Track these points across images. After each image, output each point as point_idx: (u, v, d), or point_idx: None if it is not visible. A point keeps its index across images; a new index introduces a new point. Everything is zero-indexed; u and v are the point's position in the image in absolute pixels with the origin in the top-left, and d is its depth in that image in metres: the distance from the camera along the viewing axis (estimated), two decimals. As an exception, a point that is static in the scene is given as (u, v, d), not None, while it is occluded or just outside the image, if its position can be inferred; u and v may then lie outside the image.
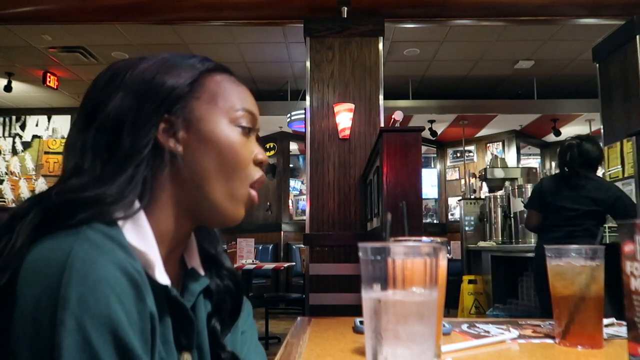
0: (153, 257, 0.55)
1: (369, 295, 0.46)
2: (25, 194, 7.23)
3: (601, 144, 4.23)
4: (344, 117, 3.66)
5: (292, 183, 8.36)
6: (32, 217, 0.51)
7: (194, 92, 0.63)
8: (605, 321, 0.92)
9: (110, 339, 0.46)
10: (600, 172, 3.21)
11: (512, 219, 4.70)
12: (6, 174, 7.33)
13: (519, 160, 8.00)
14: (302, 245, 4.42)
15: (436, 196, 8.70)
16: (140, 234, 0.55)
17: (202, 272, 0.67)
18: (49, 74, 5.99)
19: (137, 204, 0.57)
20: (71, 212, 0.51)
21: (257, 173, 0.65)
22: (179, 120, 0.61)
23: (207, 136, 0.62)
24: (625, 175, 3.66)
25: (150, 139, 0.59)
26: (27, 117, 7.42)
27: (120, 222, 0.54)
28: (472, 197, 6.92)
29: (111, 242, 0.50)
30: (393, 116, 3.50)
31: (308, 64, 3.81)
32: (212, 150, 0.61)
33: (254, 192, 0.65)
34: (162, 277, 0.56)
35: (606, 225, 3.44)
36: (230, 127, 0.63)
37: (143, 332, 0.49)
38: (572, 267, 0.81)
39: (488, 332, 0.94)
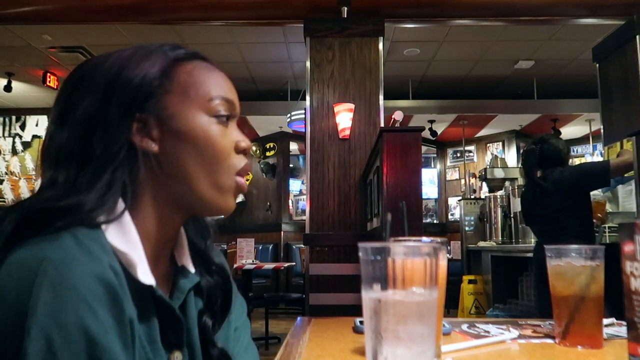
0: (136, 258, 0.54)
1: (369, 295, 0.46)
2: (25, 194, 7.23)
3: (601, 144, 4.24)
4: (344, 117, 3.65)
5: (292, 183, 8.36)
6: (5, 225, 0.50)
7: (165, 86, 0.60)
8: (605, 321, 0.92)
9: (77, 349, 0.44)
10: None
11: (512, 219, 4.70)
12: (6, 174, 7.33)
13: (519, 160, 8.00)
14: (302, 245, 4.42)
15: (436, 196, 8.70)
16: (123, 236, 0.54)
17: (192, 269, 0.65)
18: (49, 74, 5.99)
19: (120, 207, 0.55)
20: (48, 221, 0.50)
21: (241, 162, 0.63)
22: (152, 117, 0.59)
23: (182, 132, 0.59)
24: (625, 175, 3.66)
25: (124, 141, 0.57)
26: (27, 117, 7.42)
27: (103, 226, 0.53)
28: (472, 197, 6.92)
29: (90, 246, 0.49)
30: (393, 116, 3.50)
31: (308, 64, 3.81)
32: (189, 146, 0.59)
33: (241, 180, 0.63)
34: (146, 277, 0.54)
35: (606, 225, 3.43)
36: (206, 119, 0.60)
37: (122, 337, 0.48)
38: (572, 267, 0.81)
39: (488, 332, 0.94)
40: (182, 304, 0.62)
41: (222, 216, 0.64)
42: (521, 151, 2.60)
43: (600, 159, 5.62)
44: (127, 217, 0.56)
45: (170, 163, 0.59)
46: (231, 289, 0.69)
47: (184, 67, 0.62)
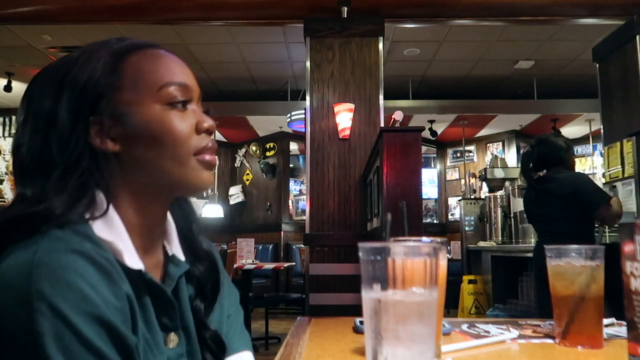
0: (121, 245, 0.56)
1: (369, 295, 0.46)
2: (25, 194, 7.23)
3: (601, 144, 4.24)
4: (344, 117, 3.65)
5: (292, 183, 8.36)
6: None
7: (113, 84, 0.59)
8: (605, 321, 0.92)
9: (90, 319, 0.47)
10: (588, 169, 3.19)
11: (512, 219, 4.70)
12: (6, 174, 7.33)
13: (519, 160, 7.99)
14: (302, 245, 4.42)
15: (436, 196, 8.69)
16: (108, 227, 0.56)
17: (182, 258, 0.67)
18: (49, 74, 5.99)
19: (103, 205, 0.56)
20: (21, 228, 0.51)
21: (202, 141, 0.63)
22: (106, 118, 0.59)
23: (138, 128, 0.59)
24: (625, 175, 3.66)
25: (84, 148, 0.57)
26: (27, 117, 7.41)
27: (90, 222, 0.55)
28: (472, 197, 6.92)
29: (77, 236, 0.51)
30: (393, 116, 3.50)
31: (308, 64, 3.81)
32: (148, 139, 0.59)
33: (204, 158, 0.62)
34: (133, 262, 0.56)
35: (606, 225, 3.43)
36: (158, 108, 0.60)
37: (122, 312, 0.51)
38: (572, 267, 0.81)
39: (488, 332, 0.94)
40: (175, 290, 0.64)
41: (202, 191, 0.65)
42: (521, 151, 2.61)
43: (600, 159, 5.61)
44: (111, 212, 0.57)
45: (133, 159, 0.60)
46: (218, 272, 0.72)
47: (130, 60, 0.61)
